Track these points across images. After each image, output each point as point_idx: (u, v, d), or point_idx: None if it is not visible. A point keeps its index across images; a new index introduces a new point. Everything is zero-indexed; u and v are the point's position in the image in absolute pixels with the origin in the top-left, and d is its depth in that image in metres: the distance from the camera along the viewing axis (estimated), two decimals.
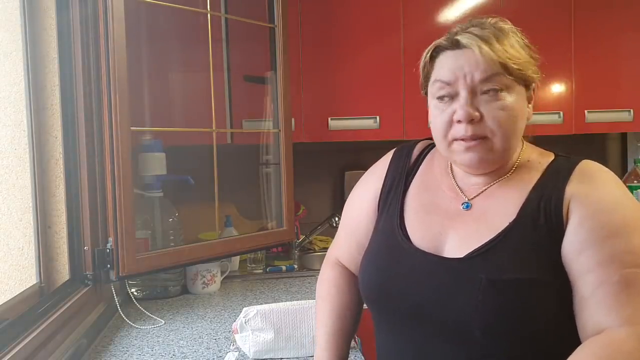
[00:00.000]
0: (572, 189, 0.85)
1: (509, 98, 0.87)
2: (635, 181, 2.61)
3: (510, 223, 0.86)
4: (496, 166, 0.92)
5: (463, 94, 0.87)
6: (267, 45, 1.95)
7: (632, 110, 2.38)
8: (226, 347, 1.34)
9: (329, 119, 2.18)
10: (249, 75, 2.09)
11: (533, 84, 0.91)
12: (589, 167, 0.89)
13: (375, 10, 2.18)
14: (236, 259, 2.14)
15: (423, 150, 1.06)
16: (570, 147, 2.78)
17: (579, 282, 0.81)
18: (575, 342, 0.80)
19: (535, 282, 0.82)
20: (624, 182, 2.65)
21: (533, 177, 0.90)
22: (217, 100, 1.78)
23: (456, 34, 0.89)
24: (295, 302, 1.30)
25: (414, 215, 0.97)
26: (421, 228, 0.95)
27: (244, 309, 1.28)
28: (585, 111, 2.36)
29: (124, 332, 1.48)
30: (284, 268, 2.15)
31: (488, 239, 0.87)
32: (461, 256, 0.88)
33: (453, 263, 0.88)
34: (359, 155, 2.50)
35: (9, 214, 1.23)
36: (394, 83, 2.18)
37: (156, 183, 1.73)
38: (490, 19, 0.92)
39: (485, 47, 0.85)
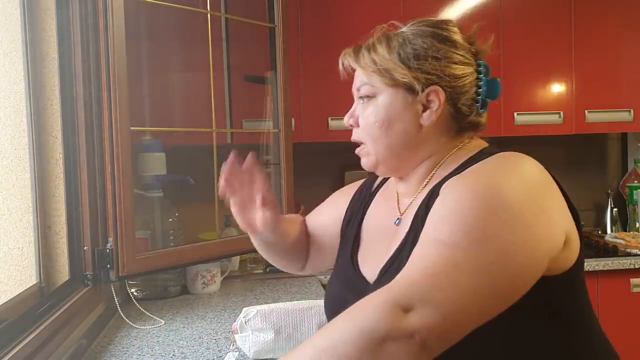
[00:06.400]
0: (449, 181, 0.80)
1: (377, 104, 0.87)
2: (635, 181, 2.61)
3: (406, 233, 0.83)
4: (391, 171, 0.92)
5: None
6: (267, 45, 1.94)
7: (632, 110, 2.38)
8: (226, 347, 1.34)
9: (329, 119, 2.18)
10: (249, 75, 2.09)
11: (426, 89, 0.84)
12: (484, 158, 0.81)
13: (376, 10, 2.18)
14: (236, 259, 2.14)
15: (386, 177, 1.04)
16: (570, 147, 2.79)
17: None
18: (491, 344, 0.74)
19: None
20: (624, 182, 2.65)
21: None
22: (217, 100, 1.77)
23: None
24: (295, 302, 1.30)
25: (364, 244, 0.96)
26: (367, 256, 0.93)
27: (244, 309, 1.28)
28: (585, 111, 2.36)
29: (124, 332, 1.48)
30: None
31: (389, 257, 0.84)
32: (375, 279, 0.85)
33: (371, 287, 0.84)
34: None
35: (9, 214, 1.23)
36: None
37: (156, 183, 1.73)
38: (402, 25, 0.92)
39: (351, 60, 0.91)
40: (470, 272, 0.66)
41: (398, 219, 0.91)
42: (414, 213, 0.85)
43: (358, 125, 0.91)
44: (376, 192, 1.03)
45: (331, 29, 2.17)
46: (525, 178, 0.75)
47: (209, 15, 1.74)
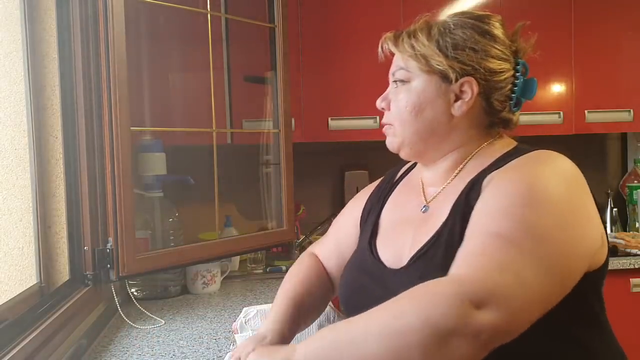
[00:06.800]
0: (492, 175, 0.82)
1: (410, 88, 0.89)
2: (635, 181, 2.61)
3: (443, 222, 0.84)
4: (415, 155, 0.93)
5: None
6: (267, 45, 1.95)
7: (632, 110, 2.38)
8: (226, 347, 1.34)
9: (329, 119, 2.18)
10: (249, 75, 2.09)
11: (461, 79, 0.86)
12: (522, 155, 0.84)
13: (376, 10, 2.18)
14: (236, 259, 2.14)
15: (410, 167, 1.05)
16: (570, 147, 2.78)
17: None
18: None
19: None
20: (624, 182, 2.66)
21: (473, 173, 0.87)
22: (217, 100, 1.77)
23: None
24: None
25: (384, 231, 0.96)
26: (388, 243, 0.94)
27: (244, 309, 1.28)
28: (585, 111, 2.36)
29: (124, 332, 1.48)
30: (284, 268, 2.15)
31: (423, 243, 0.84)
32: (403, 265, 0.86)
33: (398, 273, 0.86)
34: (359, 155, 2.50)
35: (9, 214, 1.23)
36: None
37: (156, 183, 1.73)
38: (445, 15, 0.93)
39: (390, 43, 0.91)
40: (535, 269, 0.67)
41: (425, 206, 0.91)
42: (451, 202, 0.85)
43: (389, 109, 0.92)
44: (397, 183, 1.03)
45: (331, 29, 2.17)
46: (568, 177, 0.79)
47: (209, 15, 1.74)
